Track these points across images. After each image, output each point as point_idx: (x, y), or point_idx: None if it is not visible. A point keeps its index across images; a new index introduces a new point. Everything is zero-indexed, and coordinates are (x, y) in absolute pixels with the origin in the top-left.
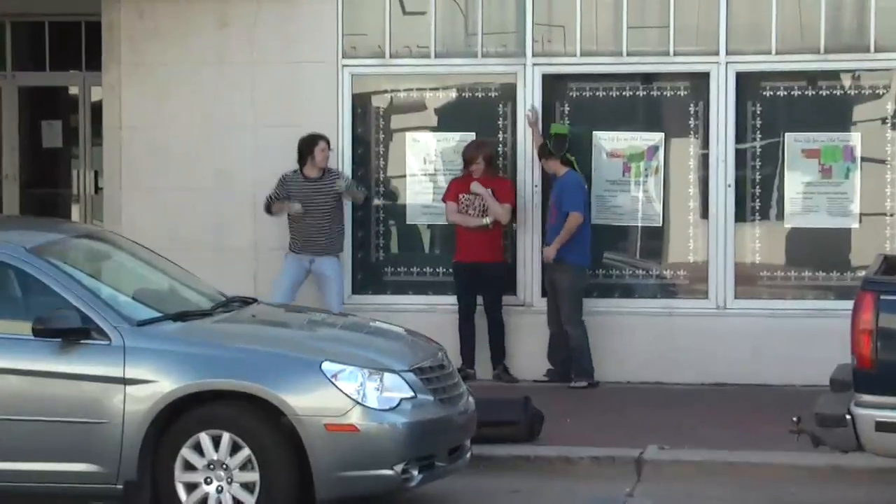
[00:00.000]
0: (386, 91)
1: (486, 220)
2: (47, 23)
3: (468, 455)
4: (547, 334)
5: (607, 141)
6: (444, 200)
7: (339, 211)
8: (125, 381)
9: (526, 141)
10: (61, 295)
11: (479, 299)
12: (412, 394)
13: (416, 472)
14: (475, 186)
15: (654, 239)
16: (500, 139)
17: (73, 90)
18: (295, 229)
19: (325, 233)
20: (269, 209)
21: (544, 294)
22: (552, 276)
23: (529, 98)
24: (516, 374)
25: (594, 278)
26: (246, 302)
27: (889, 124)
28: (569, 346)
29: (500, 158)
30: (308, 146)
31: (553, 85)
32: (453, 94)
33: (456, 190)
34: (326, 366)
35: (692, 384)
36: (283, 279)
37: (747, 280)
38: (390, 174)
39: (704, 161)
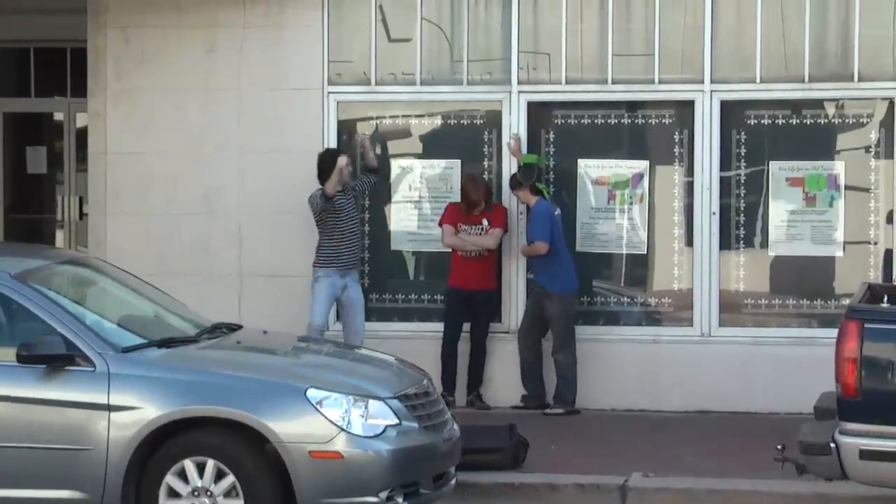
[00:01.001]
0: (371, 118)
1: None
2: (32, 49)
3: (453, 482)
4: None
5: (592, 168)
6: (440, 224)
7: (358, 223)
8: (110, 408)
9: (511, 168)
10: (46, 321)
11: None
12: (397, 421)
13: (400, 500)
14: (462, 236)
15: (639, 266)
16: (486, 166)
17: (58, 116)
18: (329, 244)
19: (356, 244)
20: (325, 198)
21: None
22: (542, 305)
23: (515, 125)
24: (493, 401)
25: (579, 305)
26: (231, 328)
27: (873, 153)
28: (556, 372)
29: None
30: (330, 161)
31: (538, 112)
32: (438, 122)
33: (454, 217)
34: (311, 392)
35: (677, 411)
36: (323, 300)
37: (732, 308)
38: (374, 201)
39: (689, 189)
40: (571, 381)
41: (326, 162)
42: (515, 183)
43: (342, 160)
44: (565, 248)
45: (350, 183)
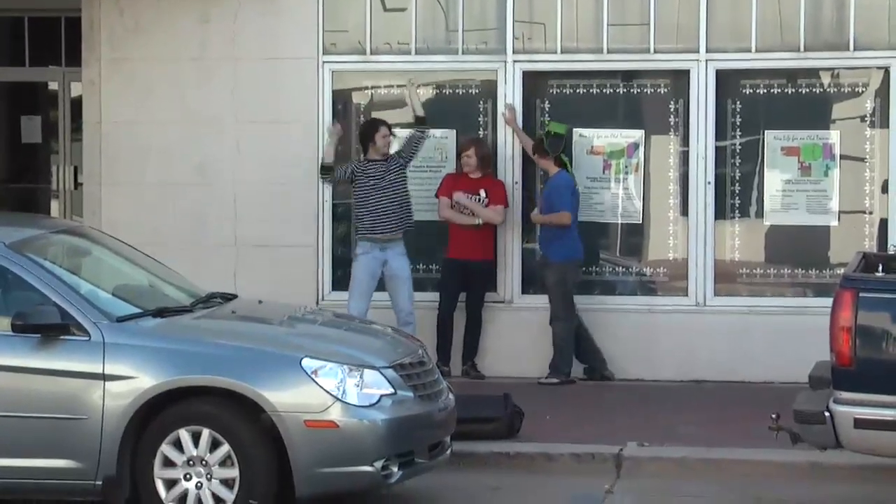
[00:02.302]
0: (366, 87)
1: (478, 221)
2: (27, 18)
3: (448, 451)
4: (522, 332)
5: (588, 138)
6: (436, 196)
7: (405, 193)
8: (105, 377)
9: (507, 138)
10: (41, 291)
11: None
12: (392, 390)
13: (395, 469)
14: (458, 197)
15: (634, 236)
16: (481, 136)
17: (53, 86)
18: (363, 213)
19: (395, 213)
20: (324, 169)
21: (524, 291)
22: (541, 273)
23: (510, 95)
24: (488, 370)
25: (580, 274)
26: (226, 298)
27: (868, 122)
28: (552, 342)
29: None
30: (370, 131)
31: (534, 82)
32: (434, 91)
33: (450, 186)
34: (306, 362)
35: (672, 381)
36: (357, 284)
37: (727, 277)
38: None
39: (684, 158)
40: (567, 352)
41: (369, 130)
42: (541, 150)
43: (335, 128)
44: (576, 222)
45: (388, 151)
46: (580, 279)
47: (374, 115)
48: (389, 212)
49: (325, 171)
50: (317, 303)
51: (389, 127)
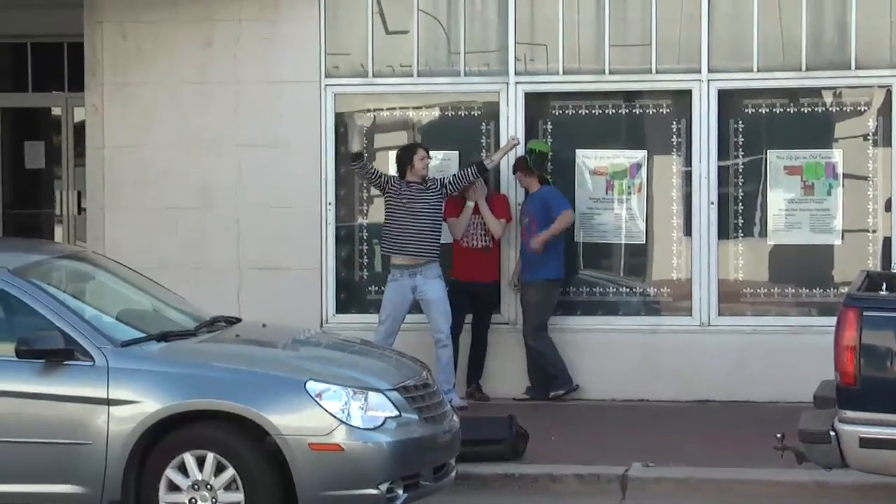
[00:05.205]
0: (369, 110)
1: (469, 204)
2: (29, 44)
3: (453, 474)
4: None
5: (590, 159)
6: (444, 219)
7: (436, 220)
8: (109, 402)
9: (509, 158)
10: (45, 316)
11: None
12: (397, 413)
13: (400, 492)
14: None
15: (638, 256)
16: (484, 157)
17: (56, 111)
18: (389, 232)
19: (422, 237)
20: (354, 156)
21: None
22: (523, 291)
23: (513, 116)
24: (494, 392)
25: (578, 296)
26: (230, 321)
27: (870, 141)
28: (537, 361)
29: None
30: (407, 154)
31: (536, 103)
32: (436, 113)
33: (451, 206)
34: (311, 385)
35: (676, 401)
36: (386, 313)
37: (731, 297)
38: (373, 193)
39: (687, 178)
40: (557, 361)
41: (406, 154)
42: (523, 167)
43: (419, 153)
44: (563, 241)
45: (426, 174)
46: (558, 298)
47: (378, 137)
48: (416, 237)
49: (356, 157)
50: (321, 325)
51: (427, 150)
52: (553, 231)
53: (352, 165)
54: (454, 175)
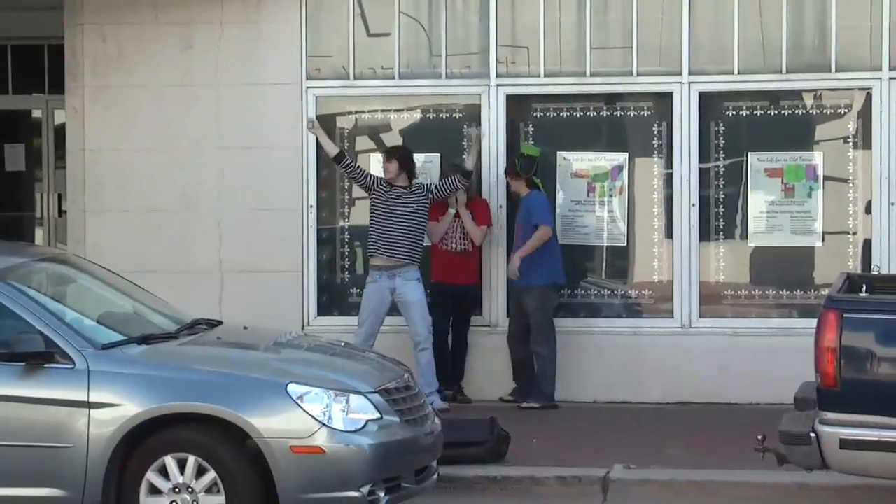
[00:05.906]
0: (350, 112)
1: (451, 211)
2: (9, 46)
3: (435, 476)
4: (507, 356)
5: (572, 161)
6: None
7: (419, 224)
8: (89, 405)
9: (490, 161)
10: (25, 319)
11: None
12: (378, 415)
13: (382, 494)
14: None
15: (619, 258)
16: (465, 159)
17: (37, 113)
18: (373, 233)
19: (403, 240)
20: (336, 157)
21: (510, 315)
22: (519, 298)
23: (494, 118)
24: (475, 394)
25: (560, 298)
26: (211, 324)
27: (851, 143)
28: (534, 366)
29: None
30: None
31: (517, 105)
32: (418, 115)
33: (433, 213)
34: (292, 387)
35: (658, 403)
36: (364, 315)
37: (712, 299)
38: (355, 195)
39: (668, 180)
40: (551, 376)
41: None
42: (513, 171)
43: (313, 122)
44: (555, 241)
45: (417, 178)
46: (557, 303)
47: (359, 139)
48: (397, 239)
49: (338, 157)
50: (302, 328)
51: (387, 156)
52: (528, 250)
53: (338, 163)
54: (440, 182)
